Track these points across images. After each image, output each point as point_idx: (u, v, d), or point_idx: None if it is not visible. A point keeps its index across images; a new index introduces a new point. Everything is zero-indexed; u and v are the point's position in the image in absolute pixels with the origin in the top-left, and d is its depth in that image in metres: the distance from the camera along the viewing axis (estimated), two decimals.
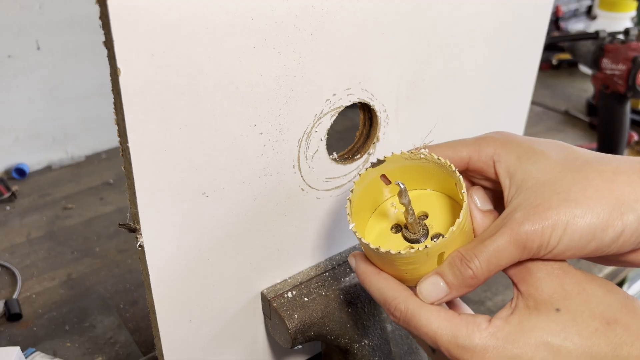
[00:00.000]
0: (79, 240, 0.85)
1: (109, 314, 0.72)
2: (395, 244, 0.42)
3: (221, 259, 0.47)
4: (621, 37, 0.90)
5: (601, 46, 0.89)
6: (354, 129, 0.53)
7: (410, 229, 0.41)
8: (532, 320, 0.35)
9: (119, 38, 0.33)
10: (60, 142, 1.03)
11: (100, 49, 0.34)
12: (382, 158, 0.41)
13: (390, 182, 0.43)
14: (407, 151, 0.41)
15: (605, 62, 0.87)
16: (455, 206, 0.43)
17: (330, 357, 0.57)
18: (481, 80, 0.58)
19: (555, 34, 1.30)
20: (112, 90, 0.35)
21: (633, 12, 1.30)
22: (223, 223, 0.45)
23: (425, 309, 0.38)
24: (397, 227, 0.43)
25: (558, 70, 1.41)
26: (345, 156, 0.52)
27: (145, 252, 0.42)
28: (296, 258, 0.53)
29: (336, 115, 0.48)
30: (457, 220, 0.37)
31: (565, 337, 0.34)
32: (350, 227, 0.40)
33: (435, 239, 0.39)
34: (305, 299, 0.51)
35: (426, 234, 0.41)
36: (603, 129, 0.90)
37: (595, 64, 0.90)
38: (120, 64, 0.34)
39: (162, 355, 0.48)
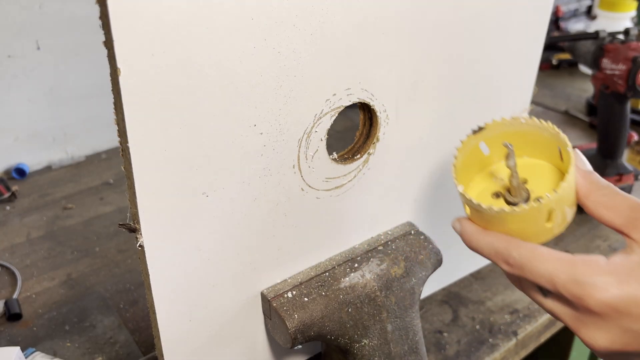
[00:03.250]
0: (79, 240, 0.85)
1: (109, 314, 0.72)
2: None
3: (221, 259, 0.47)
4: (621, 37, 0.90)
5: (601, 46, 0.89)
6: (354, 129, 0.53)
7: (512, 192, 0.43)
8: None
9: (119, 38, 0.33)
10: (60, 142, 1.02)
11: (100, 49, 0.34)
12: (482, 125, 0.43)
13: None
14: (509, 117, 0.43)
15: (605, 62, 0.87)
16: (553, 172, 0.44)
17: (330, 357, 0.57)
18: (481, 80, 0.58)
19: (555, 34, 1.30)
20: (112, 90, 0.35)
21: (633, 12, 1.30)
22: (223, 223, 0.45)
23: (539, 252, 0.38)
24: (497, 195, 0.44)
25: (558, 70, 1.41)
26: (345, 156, 0.52)
27: (145, 252, 0.42)
28: (296, 258, 0.53)
29: (336, 115, 0.48)
30: (567, 175, 0.39)
31: None
32: (459, 190, 0.42)
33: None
34: (305, 299, 0.51)
35: (527, 199, 0.43)
36: (603, 129, 0.90)
37: (595, 64, 0.90)
38: (120, 64, 0.34)
39: (162, 355, 0.47)
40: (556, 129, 0.41)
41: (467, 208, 0.43)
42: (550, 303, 0.40)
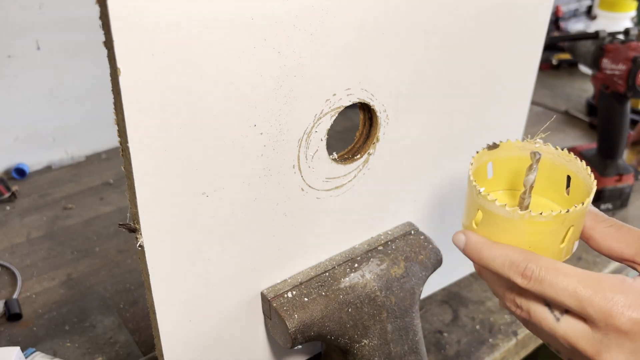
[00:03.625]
0: (79, 240, 0.85)
1: (109, 314, 0.72)
2: None
3: (221, 259, 0.47)
4: (621, 37, 0.90)
5: (601, 46, 0.89)
6: (354, 129, 0.53)
7: (520, 209, 0.41)
8: None
9: (119, 38, 0.33)
10: (60, 142, 1.03)
11: (100, 49, 0.34)
12: (497, 142, 0.43)
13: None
14: (523, 140, 0.43)
15: (605, 62, 0.87)
16: (549, 207, 0.44)
17: (330, 357, 0.57)
18: (481, 80, 0.58)
19: (555, 34, 1.30)
20: (112, 90, 0.35)
21: (633, 12, 1.30)
22: (223, 223, 0.45)
23: (561, 265, 0.37)
24: None
25: (558, 70, 1.41)
26: (345, 156, 0.52)
27: (145, 252, 0.42)
28: (296, 258, 0.53)
29: (336, 115, 0.48)
30: (591, 193, 0.39)
31: None
32: (480, 191, 0.39)
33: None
34: (305, 299, 0.51)
35: None
36: (603, 129, 0.90)
37: (595, 64, 0.90)
38: (120, 64, 0.34)
39: (162, 355, 0.48)
40: (573, 155, 0.41)
41: (479, 215, 0.41)
42: (564, 325, 0.37)
